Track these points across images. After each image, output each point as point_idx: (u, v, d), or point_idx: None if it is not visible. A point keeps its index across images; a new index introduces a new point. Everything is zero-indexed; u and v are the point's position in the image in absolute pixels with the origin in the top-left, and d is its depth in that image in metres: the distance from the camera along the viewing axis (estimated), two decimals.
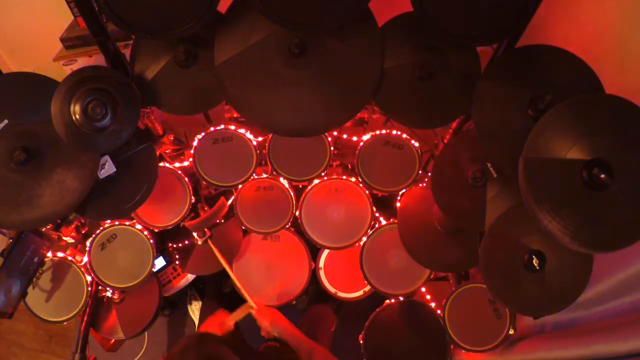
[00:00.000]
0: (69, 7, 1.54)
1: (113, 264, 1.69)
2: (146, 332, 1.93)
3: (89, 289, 1.67)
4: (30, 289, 1.58)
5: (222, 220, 1.86)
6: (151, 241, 1.68)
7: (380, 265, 1.76)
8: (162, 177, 1.62)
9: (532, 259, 1.17)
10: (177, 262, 1.98)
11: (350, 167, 1.90)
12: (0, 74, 1.63)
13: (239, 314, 1.58)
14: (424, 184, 1.66)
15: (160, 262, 2.01)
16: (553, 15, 1.26)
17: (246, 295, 1.64)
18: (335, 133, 1.72)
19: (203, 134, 1.59)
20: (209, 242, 1.76)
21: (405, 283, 1.75)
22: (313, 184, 1.72)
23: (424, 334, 1.68)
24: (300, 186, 1.74)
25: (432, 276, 1.74)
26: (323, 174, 1.66)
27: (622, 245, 0.96)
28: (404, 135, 1.58)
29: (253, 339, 1.77)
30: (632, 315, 1.13)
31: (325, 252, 1.92)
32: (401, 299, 1.73)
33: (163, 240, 1.99)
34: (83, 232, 1.69)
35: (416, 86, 1.26)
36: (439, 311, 1.65)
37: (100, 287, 1.77)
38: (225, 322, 1.55)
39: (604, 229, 0.97)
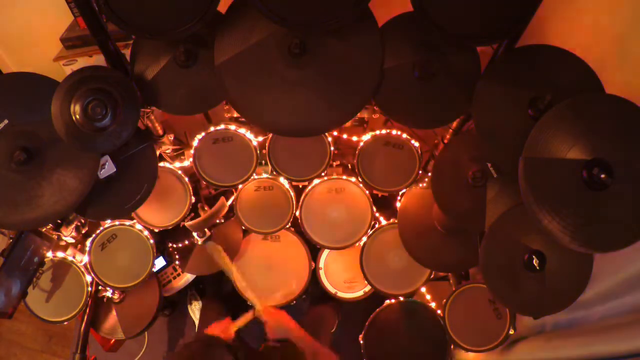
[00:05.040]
0: (69, 7, 1.54)
1: (113, 264, 1.69)
2: (146, 332, 1.93)
3: (89, 289, 1.67)
4: (30, 289, 1.58)
5: (222, 220, 1.86)
6: (151, 241, 1.68)
7: (380, 265, 1.76)
8: (162, 177, 1.63)
9: (532, 259, 1.18)
10: (177, 262, 1.98)
11: (350, 167, 1.90)
12: (0, 74, 1.63)
13: (241, 321, 1.58)
14: (424, 184, 1.66)
15: (160, 262, 2.01)
16: (553, 15, 1.26)
17: (252, 296, 1.63)
18: (335, 133, 1.72)
19: (203, 134, 1.59)
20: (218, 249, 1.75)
21: (405, 283, 1.76)
22: (313, 184, 1.72)
23: (424, 334, 1.68)
24: (300, 186, 1.74)
25: (432, 276, 1.74)
26: (323, 174, 1.66)
27: (622, 245, 0.96)
28: (404, 135, 1.58)
29: (253, 339, 1.77)
30: (632, 315, 1.12)
31: (325, 252, 1.92)
32: (401, 299, 1.73)
33: (163, 240, 1.99)
34: (83, 232, 1.69)
35: (416, 86, 1.26)
36: (439, 311, 1.65)
37: (100, 287, 1.77)
38: (227, 328, 1.54)
39: (604, 229, 0.97)
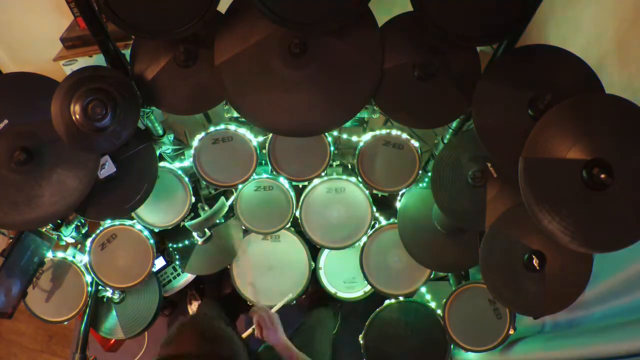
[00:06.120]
0: (69, 7, 1.54)
1: (113, 264, 1.69)
2: (146, 332, 1.93)
3: (89, 289, 1.67)
4: (30, 289, 1.57)
5: (222, 220, 1.86)
6: (151, 241, 1.68)
7: (380, 265, 1.76)
8: (162, 177, 1.63)
9: (532, 259, 1.18)
10: (177, 262, 1.98)
11: (350, 167, 1.90)
12: (0, 74, 1.63)
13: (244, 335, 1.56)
14: (424, 184, 1.66)
15: (160, 262, 2.01)
16: (553, 15, 1.26)
17: (250, 294, 1.62)
18: (335, 133, 1.72)
19: (203, 134, 1.59)
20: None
21: (405, 283, 1.76)
22: (313, 184, 1.72)
23: (424, 334, 1.68)
24: (300, 186, 1.74)
25: (432, 276, 1.74)
26: (323, 174, 1.66)
27: (622, 245, 0.96)
28: (404, 135, 1.58)
29: (252, 341, 1.78)
30: (632, 315, 1.12)
31: (325, 252, 1.92)
32: (401, 299, 1.73)
33: (163, 240, 1.99)
34: (83, 232, 1.69)
35: (416, 86, 1.26)
36: (439, 311, 1.65)
37: (100, 287, 1.77)
38: None
39: (604, 229, 0.97)
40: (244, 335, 1.54)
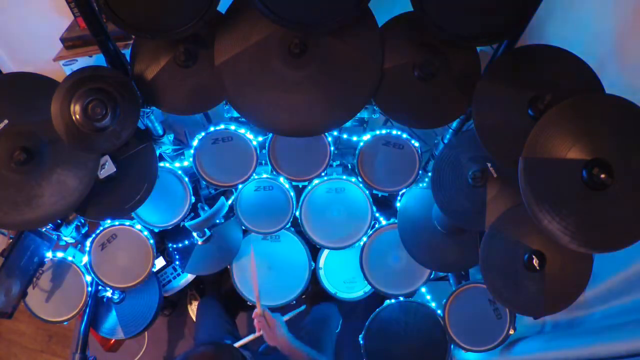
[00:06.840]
0: (69, 7, 1.54)
1: (113, 264, 1.69)
2: (146, 332, 1.93)
3: (89, 289, 1.67)
4: (30, 289, 1.58)
5: (222, 220, 1.86)
6: (151, 241, 1.68)
7: (380, 265, 1.76)
8: (162, 177, 1.63)
9: (532, 259, 1.18)
10: (177, 262, 1.98)
11: (350, 167, 1.90)
12: (0, 74, 1.63)
13: (246, 340, 1.55)
14: (424, 184, 1.66)
15: (160, 262, 2.01)
16: (553, 15, 1.26)
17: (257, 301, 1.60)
18: (335, 133, 1.72)
19: (203, 134, 1.59)
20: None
21: (405, 283, 1.76)
22: (313, 184, 1.72)
23: (424, 334, 1.68)
24: (300, 186, 1.74)
25: (432, 276, 1.74)
26: (323, 174, 1.66)
27: (622, 245, 0.96)
28: (404, 135, 1.58)
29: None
30: (632, 315, 1.12)
31: (325, 252, 1.92)
32: (401, 299, 1.73)
33: (163, 240, 1.99)
34: (83, 232, 1.69)
35: (416, 86, 1.26)
36: (439, 311, 1.65)
37: (100, 287, 1.77)
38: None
39: (604, 229, 0.97)
40: (245, 341, 1.53)
